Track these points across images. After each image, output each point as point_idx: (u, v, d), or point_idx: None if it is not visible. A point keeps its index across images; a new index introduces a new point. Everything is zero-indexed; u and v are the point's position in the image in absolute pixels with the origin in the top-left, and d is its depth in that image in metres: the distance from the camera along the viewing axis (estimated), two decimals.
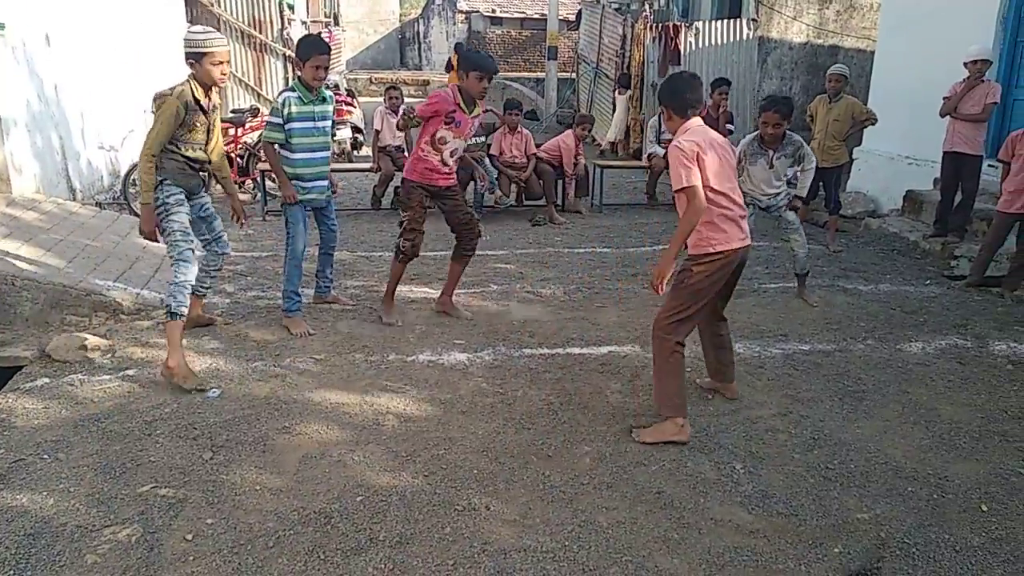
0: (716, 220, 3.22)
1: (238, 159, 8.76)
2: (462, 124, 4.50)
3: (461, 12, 25.40)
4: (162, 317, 3.82)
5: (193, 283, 3.86)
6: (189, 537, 2.62)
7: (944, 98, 6.48)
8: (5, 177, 5.73)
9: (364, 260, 6.13)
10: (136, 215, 5.81)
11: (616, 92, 12.29)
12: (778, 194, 5.20)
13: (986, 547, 2.70)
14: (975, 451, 3.37)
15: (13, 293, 4.31)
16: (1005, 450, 3.38)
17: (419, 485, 2.97)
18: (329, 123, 4.58)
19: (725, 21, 11.60)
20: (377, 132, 8.08)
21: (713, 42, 11.47)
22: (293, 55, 4.30)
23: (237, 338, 4.40)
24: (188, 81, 3.78)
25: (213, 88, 3.87)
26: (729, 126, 7.91)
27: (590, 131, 9.44)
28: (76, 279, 4.62)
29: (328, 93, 4.60)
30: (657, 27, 11.59)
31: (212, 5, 11.35)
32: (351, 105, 10.93)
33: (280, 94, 4.46)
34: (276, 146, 4.44)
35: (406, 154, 4.82)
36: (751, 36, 11.36)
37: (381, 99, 8.65)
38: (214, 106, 3.94)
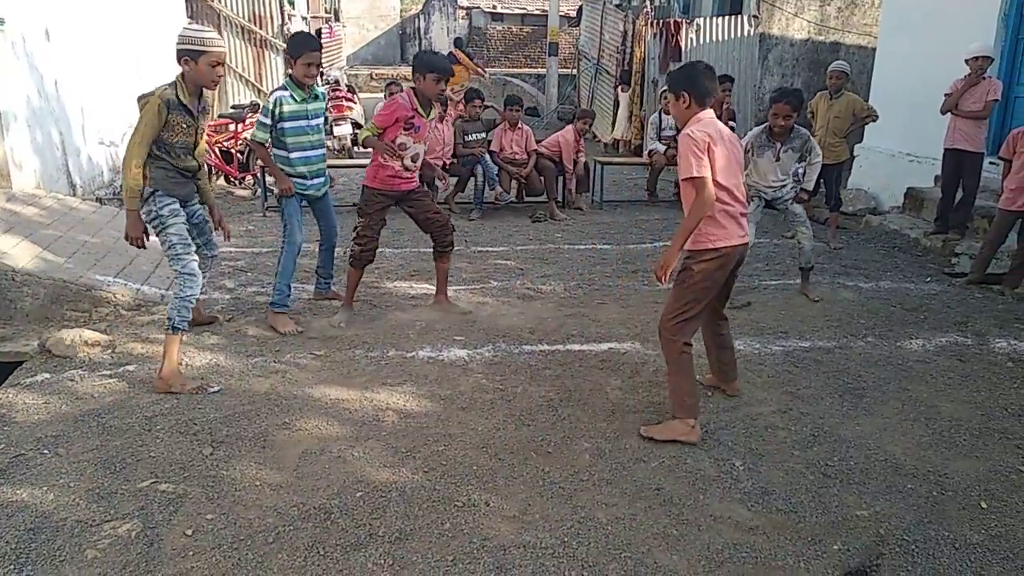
0: (718, 216, 3.21)
1: (238, 155, 8.77)
2: (421, 128, 4.48)
3: (462, 8, 25.37)
4: (163, 323, 3.78)
5: (198, 296, 3.77)
6: (189, 532, 2.62)
7: (945, 95, 6.46)
8: (5, 172, 5.72)
9: None
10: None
11: (619, 89, 12.27)
12: (783, 186, 5.20)
13: (985, 544, 2.70)
14: (975, 448, 3.37)
15: (13, 288, 4.31)
16: (1005, 447, 3.38)
17: (419, 481, 2.98)
18: (322, 120, 4.56)
19: (726, 17, 11.57)
20: None
21: (714, 38, 11.45)
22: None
23: (237, 334, 4.40)
24: (175, 81, 3.61)
25: (205, 90, 3.73)
26: (731, 123, 7.90)
27: (590, 126, 9.43)
28: (76, 275, 4.62)
29: (320, 90, 4.56)
30: (658, 23, 11.57)
31: (213, 0, 11.33)
32: (352, 101, 10.91)
33: (272, 93, 4.39)
34: (269, 146, 4.39)
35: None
36: (752, 32, 11.34)
37: (382, 95, 8.64)
38: (204, 108, 3.79)
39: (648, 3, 13.09)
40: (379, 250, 4.74)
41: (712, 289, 3.29)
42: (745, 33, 11.37)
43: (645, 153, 9.28)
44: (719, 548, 2.63)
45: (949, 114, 6.46)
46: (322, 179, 4.60)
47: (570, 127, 8.31)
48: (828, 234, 7.05)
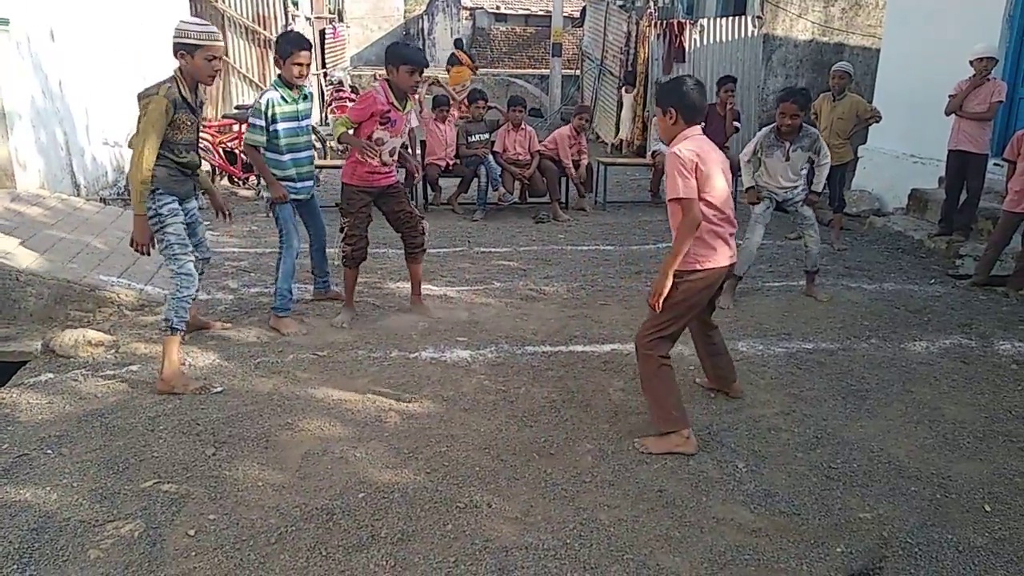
0: (706, 236, 3.14)
1: (242, 155, 8.78)
2: (397, 122, 4.42)
3: (465, 9, 25.37)
4: (162, 326, 3.77)
5: (194, 296, 3.77)
6: (191, 533, 2.63)
7: (949, 96, 6.45)
8: (9, 172, 5.74)
9: None
10: None
11: (623, 90, 12.26)
12: (795, 187, 5.19)
13: (989, 547, 2.69)
14: (979, 451, 3.36)
15: (17, 288, 4.33)
16: (1009, 450, 3.37)
17: (421, 482, 2.98)
18: (310, 121, 4.53)
19: (730, 18, 11.56)
20: None
21: (718, 39, 11.44)
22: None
23: (240, 334, 4.40)
24: (174, 77, 3.60)
25: (200, 85, 3.71)
26: (736, 123, 7.89)
27: (589, 122, 9.39)
28: (80, 275, 4.63)
29: (309, 91, 4.54)
30: (662, 24, 11.56)
31: (216, 1, 11.35)
32: (355, 102, 10.92)
33: (262, 94, 4.32)
34: (262, 149, 4.32)
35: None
36: (756, 33, 11.33)
37: None
38: (202, 102, 3.80)
39: (652, 4, 13.08)
40: (381, 251, 4.74)
41: (695, 308, 3.26)
42: (749, 34, 11.36)
43: (648, 154, 9.26)
44: (722, 550, 2.63)
45: (953, 115, 6.45)
46: (310, 182, 4.58)
47: (568, 125, 8.31)
48: (832, 235, 7.03)
